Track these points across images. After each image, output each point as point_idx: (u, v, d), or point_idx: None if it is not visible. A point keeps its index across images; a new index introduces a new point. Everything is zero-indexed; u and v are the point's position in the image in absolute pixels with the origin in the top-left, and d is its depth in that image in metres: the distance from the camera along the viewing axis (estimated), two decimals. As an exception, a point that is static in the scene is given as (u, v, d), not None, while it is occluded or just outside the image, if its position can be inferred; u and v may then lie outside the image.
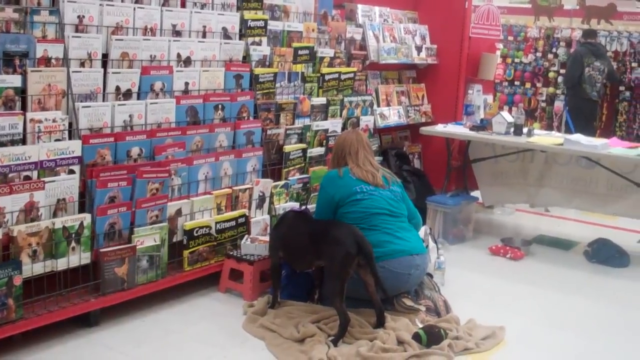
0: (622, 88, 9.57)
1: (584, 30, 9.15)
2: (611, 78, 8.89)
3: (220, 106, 4.65)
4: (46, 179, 3.61)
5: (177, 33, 4.52)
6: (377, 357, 3.56)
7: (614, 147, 5.65)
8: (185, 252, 4.27)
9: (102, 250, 3.81)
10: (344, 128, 5.59)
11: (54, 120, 3.69)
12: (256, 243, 4.47)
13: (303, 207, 4.78)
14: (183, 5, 4.65)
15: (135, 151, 4.10)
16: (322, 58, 5.59)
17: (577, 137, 5.85)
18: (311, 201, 5.05)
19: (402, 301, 4.18)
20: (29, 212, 3.53)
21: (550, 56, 10.21)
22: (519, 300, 4.67)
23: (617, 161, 5.67)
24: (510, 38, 10.51)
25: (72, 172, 3.75)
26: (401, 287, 4.18)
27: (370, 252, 3.83)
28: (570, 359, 3.85)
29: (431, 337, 3.76)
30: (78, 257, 3.72)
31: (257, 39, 5.07)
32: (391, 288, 4.07)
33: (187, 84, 4.50)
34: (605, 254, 5.58)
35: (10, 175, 3.49)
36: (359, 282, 3.87)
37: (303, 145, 5.22)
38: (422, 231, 4.83)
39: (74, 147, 3.76)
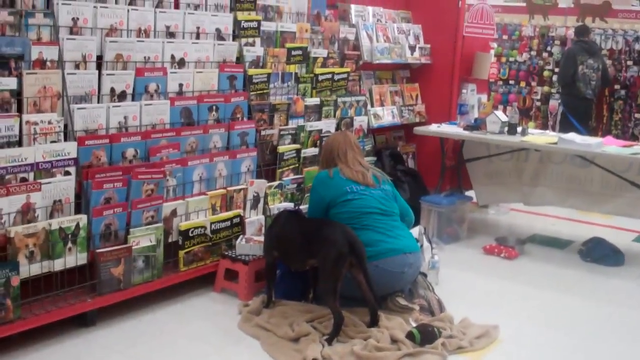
0: (617, 87, 9.59)
1: (576, 28, 9.12)
2: (604, 81, 8.82)
3: (214, 107, 4.68)
4: (42, 181, 3.63)
5: (170, 34, 4.54)
6: (371, 356, 3.59)
7: (609, 146, 5.67)
8: (181, 253, 4.30)
9: (98, 250, 3.84)
10: (337, 128, 5.61)
11: (49, 122, 3.71)
12: (251, 243, 4.50)
13: (296, 208, 4.80)
14: (176, 6, 4.66)
15: (130, 152, 4.12)
16: (315, 58, 5.61)
17: (572, 136, 5.87)
18: (305, 201, 5.08)
19: (396, 300, 4.20)
20: (26, 214, 3.55)
21: (545, 55, 10.24)
22: (513, 299, 4.70)
23: (612, 160, 5.69)
24: (505, 37, 10.54)
25: (67, 173, 3.78)
26: (395, 286, 4.21)
27: (363, 252, 3.86)
28: (564, 358, 3.88)
29: (425, 335, 3.78)
30: (74, 258, 3.74)
31: (250, 39, 5.09)
32: (385, 287, 4.10)
33: (181, 85, 4.52)
34: (599, 252, 5.59)
35: (7, 177, 3.51)
36: (353, 282, 3.90)
37: (297, 146, 5.24)
38: (417, 231, 4.86)
39: (70, 149, 3.78)
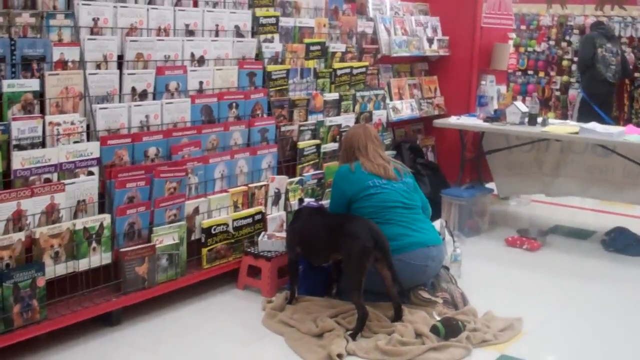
0: (637, 75, 9.47)
1: (592, 24, 9.04)
2: (625, 72, 8.67)
3: (234, 104, 4.69)
4: (66, 181, 3.66)
5: (190, 32, 4.56)
6: (395, 351, 3.59)
7: (630, 135, 5.61)
8: (204, 250, 4.32)
9: (122, 250, 3.86)
10: (357, 123, 5.60)
11: (72, 123, 3.74)
12: (273, 239, 4.51)
13: (315, 203, 4.80)
14: (195, 4, 4.68)
15: (152, 151, 4.15)
16: (333, 53, 5.61)
17: (593, 125, 5.81)
18: (326, 197, 5.08)
19: (419, 294, 4.20)
20: (50, 214, 3.58)
21: (563, 44, 10.14)
22: (537, 291, 4.68)
23: (634, 149, 5.64)
24: (523, 27, 10.44)
25: (91, 173, 3.81)
26: (418, 280, 4.21)
27: (387, 246, 3.86)
28: (588, 350, 3.85)
29: (449, 329, 3.78)
30: (99, 258, 3.77)
31: (269, 36, 5.10)
32: (408, 280, 4.10)
33: (201, 83, 4.54)
34: (622, 242, 5.56)
35: (31, 178, 3.54)
36: (376, 276, 3.90)
37: (317, 141, 5.25)
38: (438, 224, 4.85)
39: (93, 149, 3.81)
